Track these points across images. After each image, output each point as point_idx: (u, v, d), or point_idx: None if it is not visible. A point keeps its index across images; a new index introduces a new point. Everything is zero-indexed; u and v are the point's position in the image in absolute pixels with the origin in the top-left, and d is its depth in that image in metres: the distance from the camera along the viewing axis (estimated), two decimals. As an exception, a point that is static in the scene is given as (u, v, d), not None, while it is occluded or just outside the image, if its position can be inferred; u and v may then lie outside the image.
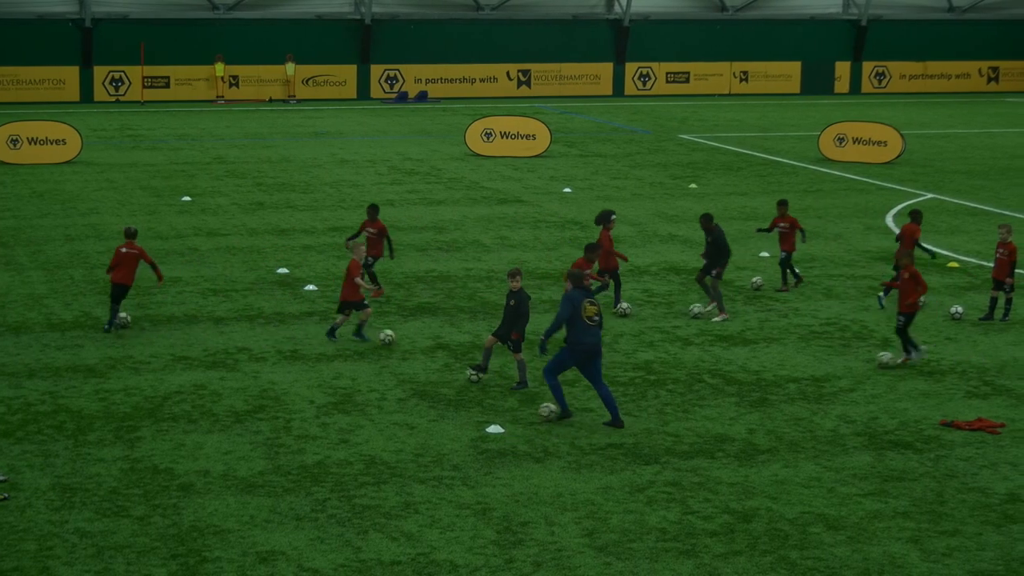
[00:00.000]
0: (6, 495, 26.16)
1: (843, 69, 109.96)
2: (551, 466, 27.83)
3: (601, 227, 40.17)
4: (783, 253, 42.41)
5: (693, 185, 62.66)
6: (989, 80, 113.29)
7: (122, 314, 37.93)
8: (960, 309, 40.22)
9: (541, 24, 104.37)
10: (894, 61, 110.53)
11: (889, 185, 62.88)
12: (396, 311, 39.95)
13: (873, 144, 70.64)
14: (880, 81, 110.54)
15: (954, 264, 47.20)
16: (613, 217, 40.42)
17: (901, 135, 71.16)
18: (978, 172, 68.73)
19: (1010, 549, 23.91)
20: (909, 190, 62.36)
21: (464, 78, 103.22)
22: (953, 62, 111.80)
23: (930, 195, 61.18)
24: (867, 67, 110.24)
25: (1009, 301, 39.69)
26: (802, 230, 42.50)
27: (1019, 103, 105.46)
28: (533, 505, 25.78)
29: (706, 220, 40.19)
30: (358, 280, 36.10)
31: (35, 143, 67.65)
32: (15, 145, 66.99)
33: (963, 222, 55.21)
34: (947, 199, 60.32)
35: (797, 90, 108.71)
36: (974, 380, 34.12)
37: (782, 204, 43.17)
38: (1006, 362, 35.74)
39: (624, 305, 39.51)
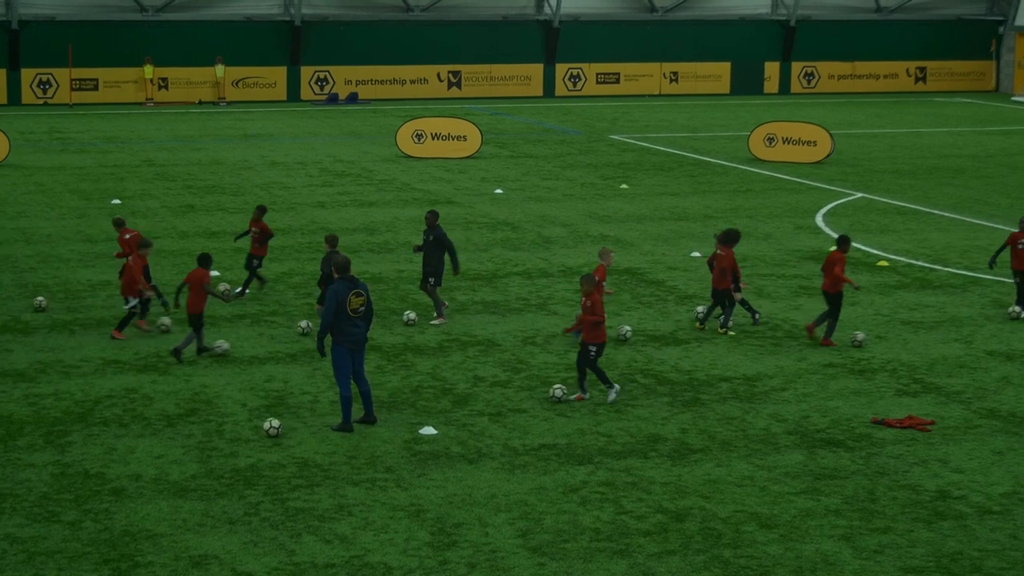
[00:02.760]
0: (-64, 501, 26.09)
1: (772, 69, 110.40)
2: (484, 467, 27.87)
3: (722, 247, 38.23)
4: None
5: (624, 186, 62.78)
6: (917, 80, 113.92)
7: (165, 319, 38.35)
8: (1018, 309, 40.38)
9: (471, 25, 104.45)
10: (822, 61, 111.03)
11: (819, 184, 63.14)
12: (328, 313, 39.91)
13: (803, 144, 70.89)
14: (809, 81, 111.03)
15: (884, 263, 47.19)
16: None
17: (830, 134, 71.43)
18: (906, 171, 69.12)
19: (940, 546, 24.05)
20: (839, 189, 62.65)
21: (395, 79, 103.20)
22: (881, 62, 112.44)
23: (859, 194, 61.50)
24: (796, 67, 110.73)
25: None
26: None
27: (946, 103, 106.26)
28: (467, 506, 25.81)
29: (432, 217, 39.39)
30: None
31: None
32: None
33: (892, 221, 55.41)
34: (876, 198, 60.61)
35: (727, 90, 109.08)
36: (904, 378, 34.34)
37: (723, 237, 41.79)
38: (935, 360, 35.98)
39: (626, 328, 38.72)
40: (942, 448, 29.22)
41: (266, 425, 29.68)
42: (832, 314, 37.29)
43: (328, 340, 29.82)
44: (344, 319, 29.43)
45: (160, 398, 32.36)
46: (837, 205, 58.51)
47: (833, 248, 39.61)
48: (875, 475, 27.51)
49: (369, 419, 30.01)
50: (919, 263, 46.97)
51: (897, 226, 54.29)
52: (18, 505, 25.91)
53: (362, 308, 29.44)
